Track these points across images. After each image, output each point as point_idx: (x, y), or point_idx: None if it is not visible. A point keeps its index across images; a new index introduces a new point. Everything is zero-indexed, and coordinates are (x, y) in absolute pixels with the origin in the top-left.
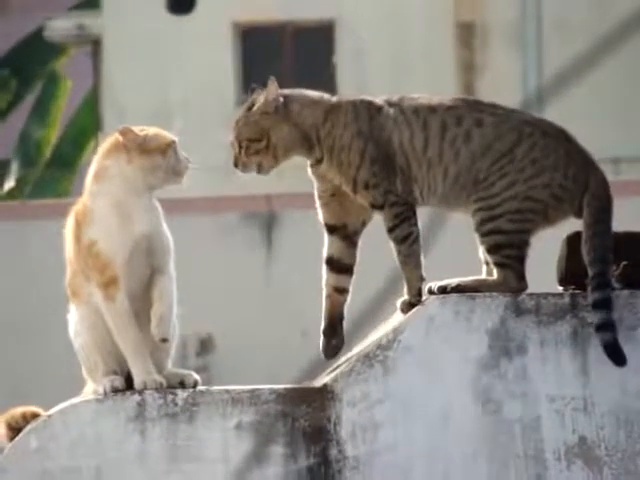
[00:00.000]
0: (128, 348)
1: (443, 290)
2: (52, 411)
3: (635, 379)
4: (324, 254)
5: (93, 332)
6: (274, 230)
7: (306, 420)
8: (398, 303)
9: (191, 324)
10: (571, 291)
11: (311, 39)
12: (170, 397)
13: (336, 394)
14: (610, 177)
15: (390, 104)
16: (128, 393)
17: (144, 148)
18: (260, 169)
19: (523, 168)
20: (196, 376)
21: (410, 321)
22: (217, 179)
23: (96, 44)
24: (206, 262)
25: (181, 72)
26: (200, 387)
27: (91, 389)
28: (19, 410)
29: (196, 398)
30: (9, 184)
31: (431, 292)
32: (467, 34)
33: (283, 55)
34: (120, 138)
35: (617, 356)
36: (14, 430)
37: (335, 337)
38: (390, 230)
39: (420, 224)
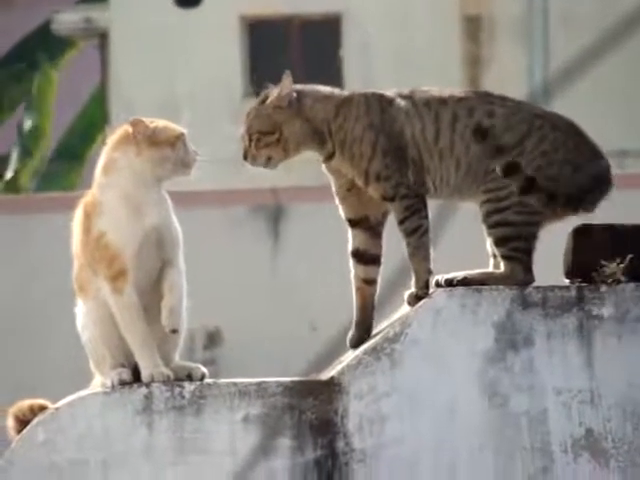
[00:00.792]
0: (135, 341)
1: (450, 283)
2: (60, 404)
3: None
4: (349, 247)
5: (100, 325)
6: (281, 223)
7: (313, 413)
8: (405, 295)
9: (199, 317)
10: (578, 284)
11: (318, 32)
12: (177, 390)
13: (343, 387)
14: (616, 170)
15: (401, 97)
16: (135, 386)
17: (153, 140)
18: (269, 162)
19: (532, 160)
20: (203, 369)
21: (417, 314)
22: (225, 172)
23: (103, 37)
24: (214, 255)
25: (188, 65)
26: (207, 380)
27: (99, 382)
28: (26, 403)
29: (203, 391)
30: (9, 174)
31: (438, 285)
32: (473, 28)
33: (290, 48)
34: (130, 129)
35: None
36: (22, 423)
37: (365, 328)
38: (400, 222)
39: (429, 216)
